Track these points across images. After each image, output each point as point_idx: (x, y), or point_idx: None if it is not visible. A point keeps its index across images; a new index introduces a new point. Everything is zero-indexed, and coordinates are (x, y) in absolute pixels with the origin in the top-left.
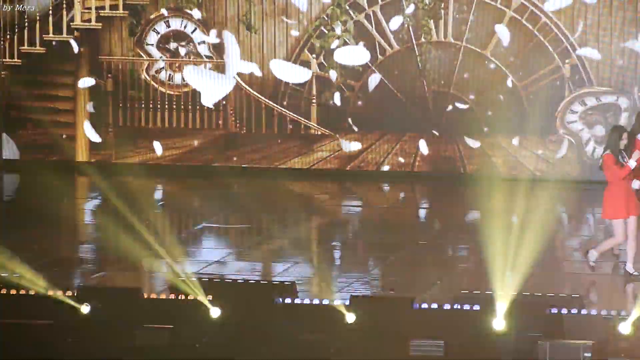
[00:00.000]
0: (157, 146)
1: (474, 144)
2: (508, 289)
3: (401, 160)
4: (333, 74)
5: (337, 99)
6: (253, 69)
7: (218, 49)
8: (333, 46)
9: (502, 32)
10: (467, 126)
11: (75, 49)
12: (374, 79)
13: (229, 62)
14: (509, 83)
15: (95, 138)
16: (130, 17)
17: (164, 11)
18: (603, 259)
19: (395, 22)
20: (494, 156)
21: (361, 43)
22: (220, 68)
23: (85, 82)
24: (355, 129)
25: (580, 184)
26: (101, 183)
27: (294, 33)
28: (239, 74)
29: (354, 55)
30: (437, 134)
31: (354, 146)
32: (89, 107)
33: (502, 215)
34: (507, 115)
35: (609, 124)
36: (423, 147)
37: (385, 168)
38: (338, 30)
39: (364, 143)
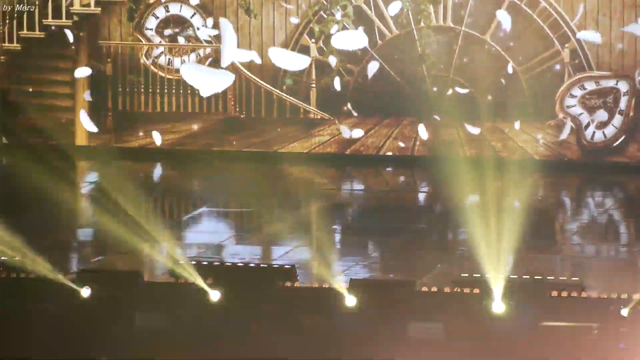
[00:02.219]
0: (157, 135)
1: (474, 130)
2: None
3: (401, 144)
4: (332, 59)
5: (336, 83)
6: (252, 56)
7: (217, 37)
8: (332, 31)
9: (503, 17)
10: (466, 111)
11: (71, 38)
12: (373, 67)
13: (226, 52)
14: (509, 68)
15: (92, 128)
16: (129, 2)
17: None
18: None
19: (395, 6)
20: (493, 140)
21: (360, 28)
22: (218, 60)
23: (82, 71)
24: (355, 113)
25: (579, 167)
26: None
27: (294, 20)
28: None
29: (351, 40)
30: (438, 118)
31: (356, 133)
32: (87, 95)
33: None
34: (506, 100)
35: (608, 108)
36: (422, 132)
37: (385, 152)
38: (337, 15)
39: (364, 127)
